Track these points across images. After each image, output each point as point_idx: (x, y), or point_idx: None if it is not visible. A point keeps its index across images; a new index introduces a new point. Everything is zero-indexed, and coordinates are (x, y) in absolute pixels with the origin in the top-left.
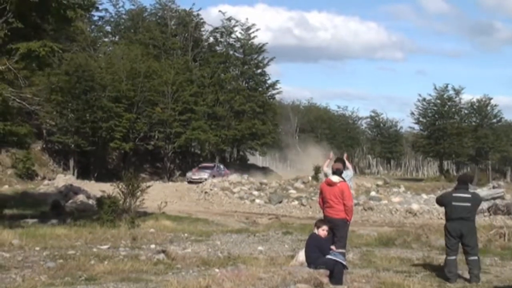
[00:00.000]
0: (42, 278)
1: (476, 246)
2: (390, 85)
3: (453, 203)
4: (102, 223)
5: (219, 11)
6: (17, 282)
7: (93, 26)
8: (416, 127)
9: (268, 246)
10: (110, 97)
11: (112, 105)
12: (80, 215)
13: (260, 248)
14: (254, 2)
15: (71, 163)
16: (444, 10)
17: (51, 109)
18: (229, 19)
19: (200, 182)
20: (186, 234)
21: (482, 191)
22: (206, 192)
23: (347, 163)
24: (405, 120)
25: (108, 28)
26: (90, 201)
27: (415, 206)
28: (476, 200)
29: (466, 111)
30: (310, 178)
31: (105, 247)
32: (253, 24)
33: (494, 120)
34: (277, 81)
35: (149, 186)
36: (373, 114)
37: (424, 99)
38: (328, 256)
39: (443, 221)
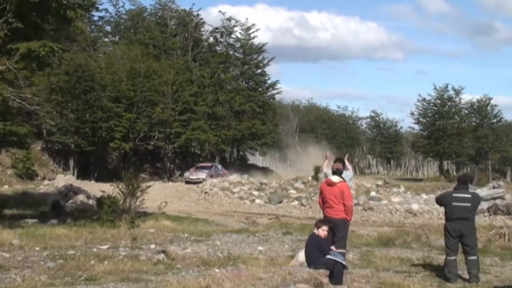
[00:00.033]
0: (42, 278)
1: (476, 246)
2: (390, 85)
3: (453, 203)
4: (102, 223)
5: (219, 11)
6: (17, 282)
7: (93, 26)
8: (416, 127)
9: (268, 246)
10: (110, 97)
11: (112, 105)
12: (80, 215)
13: (260, 248)
14: (254, 2)
15: (71, 163)
16: (444, 10)
17: (51, 109)
18: (229, 19)
19: (198, 182)
20: (186, 234)
21: (482, 191)
22: (206, 192)
23: (347, 163)
24: (405, 120)
25: (108, 28)
26: (90, 201)
27: (415, 206)
28: (476, 200)
29: (466, 111)
30: (310, 178)
31: (105, 247)
32: (253, 24)
33: (494, 120)
34: (277, 81)
35: (149, 186)
36: (373, 114)
37: (424, 99)
38: (328, 256)
39: (443, 221)
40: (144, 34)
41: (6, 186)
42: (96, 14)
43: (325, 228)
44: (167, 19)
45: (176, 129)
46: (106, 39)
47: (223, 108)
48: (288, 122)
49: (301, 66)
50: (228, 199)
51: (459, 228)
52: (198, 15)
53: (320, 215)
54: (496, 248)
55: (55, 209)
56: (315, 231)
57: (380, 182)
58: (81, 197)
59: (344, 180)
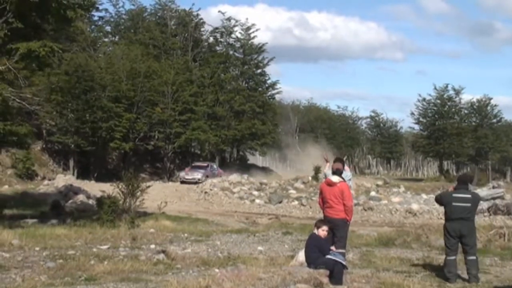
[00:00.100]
0: (42, 278)
1: (475, 246)
2: (390, 85)
3: (453, 204)
4: (102, 223)
5: (219, 11)
6: (17, 282)
7: (93, 26)
8: (416, 127)
9: (268, 246)
10: (110, 97)
11: (112, 105)
12: (80, 215)
13: (260, 248)
14: (254, 2)
15: (71, 163)
16: (444, 10)
17: (51, 109)
18: (229, 19)
19: (194, 183)
20: (186, 234)
21: (482, 191)
22: (206, 192)
23: (345, 166)
24: (405, 120)
25: (108, 28)
26: (90, 201)
27: (415, 206)
28: (476, 200)
29: (466, 111)
30: (310, 178)
31: (105, 247)
32: (253, 24)
33: (494, 120)
34: (277, 81)
35: (149, 186)
36: (373, 114)
37: (424, 99)
38: (328, 256)
39: (443, 221)
40: (144, 34)
41: (6, 186)
42: (96, 14)
43: (325, 228)
44: (167, 19)
45: (176, 129)
46: (106, 39)
47: (223, 108)
48: (288, 122)
49: (301, 66)
50: (228, 199)
51: (459, 228)
52: (198, 15)
53: (320, 215)
54: (496, 248)
55: (55, 209)
56: (315, 231)
57: (380, 182)
58: (81, 197)
59: (344, 180)
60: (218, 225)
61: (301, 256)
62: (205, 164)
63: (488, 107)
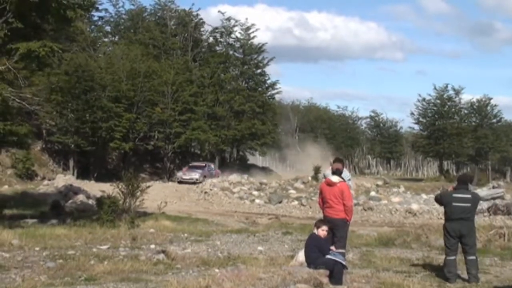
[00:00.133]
0: (42, 278)
1: (475, 246)
2: (390, 85)
3: (453, 204)
4: (102, 223)
5: (219, 11)
6: (17, 282)
7: (93, 26)
8: (416, 127)
9: (268, 246)
10: (110, 97)
11: (112, 105)
12: (80, 215)
13: (260, 248)
14: (253, 2)
15: (71, 163)
16: (444, 10)
17: (51, 109)
18: (229, 19)
19: (192, 183)
20: (186, 234)
21: (482, 191)
22: (206, 192)
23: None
24: (405, 120)
25: (108, 28)
26: (90, 201)
27: (414, 206)
28: (476, 200)
29: (466, 111)
30: (309, 178)
31: (105, 247)
32: (253, 24)
33: (494, 120)
34: (276, 81)
35: (149, 186)
36: (373, 114)
37: (424, 99)
38: (328, 256)
39: (443, 221)
40: (144, 34)
41: (6, 186)
42: (96, 14)
43: (325, 228)
44: (167, 19)
45: (176, 129)
46: (106, 39)
47: (223, 108)
48: (288, 122)
49: (301, 66)
50: (228, 199)
51: (458, 228)
52: (197, 15)
53: (320, 215)
54: (496, 248)
55: (55, 209)
56: (315, 231)
57: (380, 182)
58: (81, 197)
59: (344, 180)
60: (218, 225)
61: (301, 256)
62: (203, 164)
63: (488, 107)
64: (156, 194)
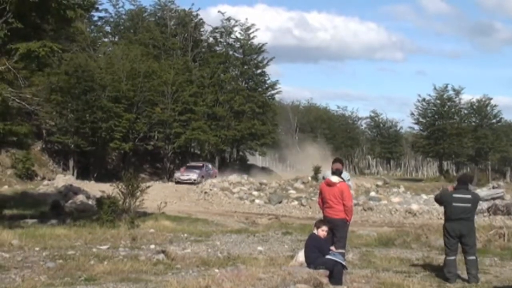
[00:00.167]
0: (42, 278)
1: (475, 246)
2: (390, 85)
3: (454, 204)
4: (102, 223)
5: (219, 11)
6: (17, 282)
7: (92, 26)
8: (416, 127)
9: (268, 246)
10: (109, 97)
11: (111, 105)
12: (79, 215)
13: (259, 248)
14: (253, 2)
15: (71, 163)
16: (444, 10)
17: (50, 109)
18: (229, 19)
19: (190, 183)
20: (185, 235)
21: (482, 191)
22: (205, 192)
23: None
24: (405, 120)
25: (107, 28)
26: (90, 201)
27: (414, 206)
28: (476, 200)
29: (465, 111)
30: (309, 178)
31: (104, 247)
32: (253, 24)
33: (494, 120)
34: (276, 81)
35: (148, 187)
36: (372, 114)
37: (423, 100)
38: (328, 256)
39: (443, 221)
40: (144, 34)
41: (6, 186)
42: (96, 14)
43: (324, 228)
44: (167, 19)
45: (176, 129)
46: (105, 39)
47: (222, 108)
48: (287, 122)
49: (301, 66)
50: (228, 199)
51: (458, 228)
52: (197, 15)
53: (320, 215)
54: (496, 248)
55: (55, 209)
56: (315, 231)
57: (379, 182)
58: (80, 197)
59: (344, 180)
60: (218, 225)
61: (300, 256)
62: (200, 164)
63: (488, 107)
64: (156, 194)
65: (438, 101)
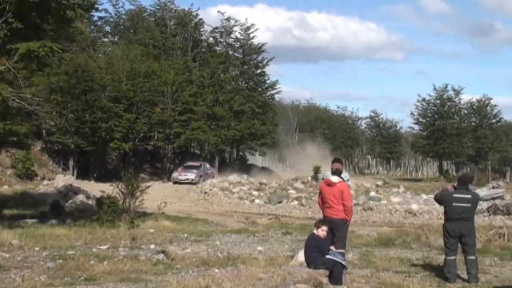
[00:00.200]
0: (42, 278)
1: (474, 246)
2: (390, 85)
3: (454, 204)
4: (102, 223)
5: (218, 11)
6: (17, 282)
7: (92, 26)
8: (416, 127)
9: (268, 246)
10: (109, 97)
11: (111, 105)
12: (79, 215)
13: (259, 248)
14: (253, 2)
15: (71, 163)
16: (444, 10)
17: (50, 109)
18: (228, 19)
19: (188, 183)
20: (185, 234)
21: (482, 191)
22: (205, 192)
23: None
24: (404, 120)
25: (107, 28)
26: (90, 201)
27: (414, 206)
28: (476, 200)
29: (465, 111)
30: (309, 178)
31: (104, 247)
32: (252, 24)
33: (494, 120)
34: (276, 81)
35: (148, 186)
36: (372, 114)
37: (423, 100)
38: (328, 256)
39: (443, 221)
40: (144, 34)
41: (6, 186)
42: (95, 14)
43: (324, 228)
44: (167, 19)
45: (175, 129)
46: (105, 39)
47: (222, 108)
48: (287, 122)
49: (301, 66)
50: (228, 199)
51: (459, 228)
52: (197, 15)
53: (320, 215)
54: (496, 248)
55: (55, 209)
56: (315, 231)
57: (379, 182)
58: (80, 197)
59: (344, 180)
60: (218, 225)
61: (300, 256)
62: (198, 164)
63: (488, 107)
64: (156, 194)
65: (438, 101)
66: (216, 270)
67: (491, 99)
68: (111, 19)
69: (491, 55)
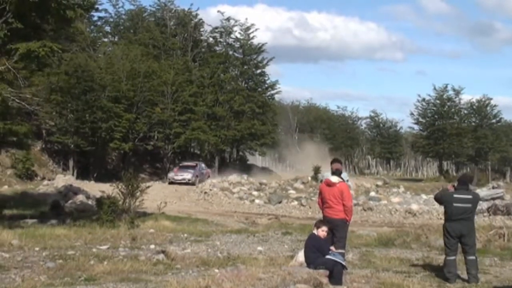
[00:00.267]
0: (42, 278)
1: (474, 246)
2: (390, 85)
3: (454, 204)
4: (102, 224)
5: (218, 11)
6: (17, 282)
7: (92, 27)
8: (416, 127)
9: (268, 247)
10: (109, 97)
11: (111, 105)
12: (79, 215)
13: (259, 248)
14: (253, 2)
15: (71, 163)
16: (444, 10)
17: (50, 109)
18: (228, 19)
19: (184, 183)
20: (185, 235)
21: (482, 192)
22: (205, 193)
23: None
24: (404, 120)
25: (107, 28)
26: (90, 202)
27: (414, 207)
28: (476, 200)
29: (465, 112)
30: (309, 178)
31: (104, 247)
32: (252, 24)
33: (494, 121)
34: (276, 81)
35: (148, 187)
36: (372, 114)
37: (423, 100)
38: (328, 257)
39: (443, 221)
40: (144, 34)
41: (6, 186)
42: (95, 15)
43: (324, 228)
44: (167, 19)
45: (175, 129)
46: (105, 39)
47: (222, 108)
48: (287, 122)
49: (301, 66)
50: (228, 199)
51: (459, 228)
52: (197, 15)
53: (320, 215)
54: (496, 248)
55: (55, 209)
56: (315, 231)
57: (379, 183)
58: (80, 197)
59: (344, 180)
60: (218, 225)
61: (300, 256)
62: (194, 164)
63: (488, 107)
64: (156, 194)
65: (438, 101)
66: (216, 270)
67: (491, 99)
68: (111, 19)
69: (491, 55)
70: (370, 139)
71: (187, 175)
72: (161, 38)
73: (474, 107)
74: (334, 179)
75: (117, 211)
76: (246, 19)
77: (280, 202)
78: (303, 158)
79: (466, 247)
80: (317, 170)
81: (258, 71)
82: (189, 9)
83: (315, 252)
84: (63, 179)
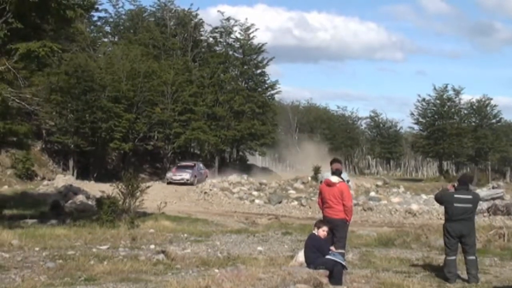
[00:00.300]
0: (42, 278)
1: (475, 246)
2: (390, 85)
3: (455, 204)
4: (102, 224)
5: (218, 11)
6: (17, 282)
7: (92, 27)
8: (416, 127)
9: (268, 247)
10: (109, 97)
11: (111, 105)
12: (79, 215)
13: (259, 248)
14: (253, 3)
15: (71, 163)
16: (444, 10)
17: (50, 109)
18: (228, 19)
19: (182, 183)
20: (185, 235)
21: (482, 192)
22: (205, 193)
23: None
24: (404, 120)
25: (107, 28)
26: (90, 202)
27: (414, 207)
28: (477, 200)
29: (465, 112)
30: (309, 178)
31: (104, 247)
32: (252, 24)
33: (494, 121)
34: (276, 81)
35: (148, 187)
36: (372, 114)
37: (423, 100)
38: (328, 257)
39: (443, 221)
40: (144, 34)
41: (6, 187)
42: (95, 15)
43: (325, 228)
44: (167, 19)
45: (175, 129)
46: (105, 39)
47: (222, 108)
48: (287, 123)
49: (301, 66)
50: (228, 199)
51: (459, 228)
52: (197, 15)
53: (320, 215)
54: (496, 248)
55: (55, 209)
56: (315, 231)
57: (379, 183)
58: (80, 197)
59: (344, 181)
60: (218, 225)
61: (300, 256)
62: (192, 164)
63: (488, 108)
64: (156, 194)
65: (438, 101)
66: (216, 270)
67: (491, 99)
68: (111, 19)
69: (491, 55)
70: (370, 139)
71: (185, 175)
72: (161, 38)
73: (474, 107)
74: (334, 179)
75: (117, 211)
76: (246, 19)
77: (280, 202)
78: (303, 158)
79: (466, 247)
80: (317, 170)
81: (258, 71)
82: (189, 9)
83: (315, 252)
84: (63, 179)
